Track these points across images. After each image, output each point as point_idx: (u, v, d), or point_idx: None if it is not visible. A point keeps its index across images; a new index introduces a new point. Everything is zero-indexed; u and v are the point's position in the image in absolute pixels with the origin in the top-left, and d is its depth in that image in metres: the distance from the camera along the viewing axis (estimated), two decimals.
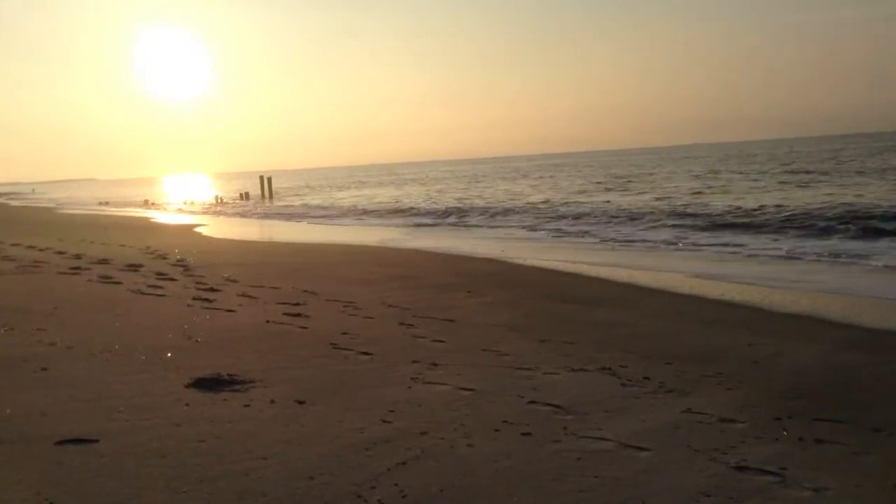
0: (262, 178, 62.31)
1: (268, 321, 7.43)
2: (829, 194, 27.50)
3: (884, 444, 4.23)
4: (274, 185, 63.21)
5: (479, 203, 36.39)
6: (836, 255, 13.87)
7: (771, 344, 6.88)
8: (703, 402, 4.98)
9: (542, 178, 64.51)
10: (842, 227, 18.19)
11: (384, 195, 51.83)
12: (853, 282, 11.01)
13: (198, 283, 10.03)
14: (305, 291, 9.49)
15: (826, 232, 17.95)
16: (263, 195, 59.35)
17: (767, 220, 20.79)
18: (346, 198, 51.56)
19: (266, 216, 38.26)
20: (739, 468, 3.79)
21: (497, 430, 4.35)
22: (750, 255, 14.80)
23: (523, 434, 4.30)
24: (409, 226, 27.51)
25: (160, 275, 10.77)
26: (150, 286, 9.56)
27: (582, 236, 20.18)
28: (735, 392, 5.27)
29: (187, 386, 5.05)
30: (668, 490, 3.53)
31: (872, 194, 26.48)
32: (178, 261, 13.00)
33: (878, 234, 16.99)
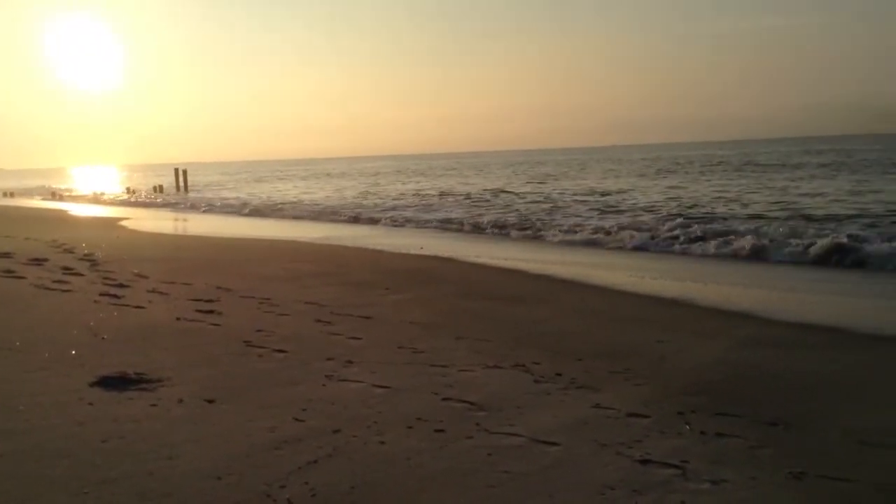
0: (176, 170, 60.65)
1: (178, 318, 7.25)
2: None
3: (779, 437, 4.43)
4: (190, 178, 61.66)
5: (403, 198, 36.37)
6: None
7: (678, 340, 7.10)
8: (612, 397, 5.11)
9: (461, 175, 65.04)
10: None
11: (306, 189, 51.21)
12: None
13: (106, 278, 9.70)
14: (219, 288, 9.30)
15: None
16: (178, 188, 57.82)
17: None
18: (266, 192, 50.71)
19: (180, 209, 37.28)
20: (643, 461, 3.92)
21: (410, 428, 4.37)
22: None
23: (436, 431, 4.34)
24: (330, 221, 27.26)
25: (66, 269, 10.37)
26: (55, 281, 9.20)
27: (500, 231, 20.41)
28: (642, 388, 5.42)
29: (92, 384, 4.90)
30: (574, 483, 3.62)
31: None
32: (85, 255, 12.54)
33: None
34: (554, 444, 4.16)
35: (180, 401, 4.69)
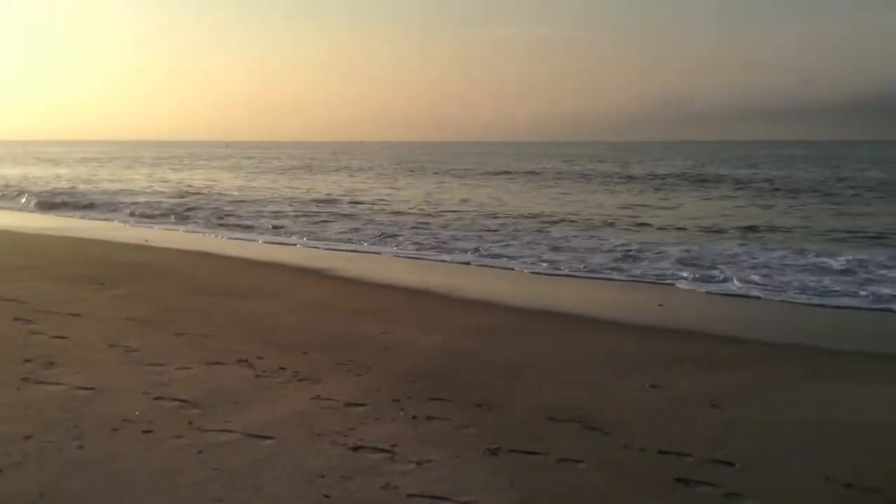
0: None
1: None
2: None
3: (483, 417, 4.78)
4: None
5: (130, 186, 33.92)
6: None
7: (403, 331, 7.37)
8: (332, 388, 5.20)
9: (181, 165, 62.28)
10: None
11: (11, 174, 45.84)
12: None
13: None
14: None
15: None
16: None
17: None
18: None
19: None
20: (356, 448, 4.05)
21: (115, 430, 4.15)
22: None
23: (144, 432, 4.15)
24: (39, 208, 24.56)
25: None
26: None
27: (231, 225, 19.79)
28: (363, 377, 5.57)
29: None
30: (285, 474, 3.65)
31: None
32: None
33: None
34: (268, 437, 4.16)
35: None
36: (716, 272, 11.57)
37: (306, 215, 21.55)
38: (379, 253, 14.43)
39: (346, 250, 14.82)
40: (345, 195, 29.22)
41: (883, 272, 11.27)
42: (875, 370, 6.34)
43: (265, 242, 15.94)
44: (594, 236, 16.39)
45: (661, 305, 9.45)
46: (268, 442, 4.09)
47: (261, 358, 5.95)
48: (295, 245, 15.56)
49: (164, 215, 21.72)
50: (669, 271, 11.78)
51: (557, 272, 12.08)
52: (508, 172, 48.95)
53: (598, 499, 3.60)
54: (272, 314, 7.98)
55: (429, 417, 4.68)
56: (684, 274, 11.50)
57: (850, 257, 12.62)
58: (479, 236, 16.45)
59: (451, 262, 13.41)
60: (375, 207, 24.29)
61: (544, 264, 12.76)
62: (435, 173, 49.08)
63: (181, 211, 22.49)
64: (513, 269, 12.51)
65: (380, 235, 16.68)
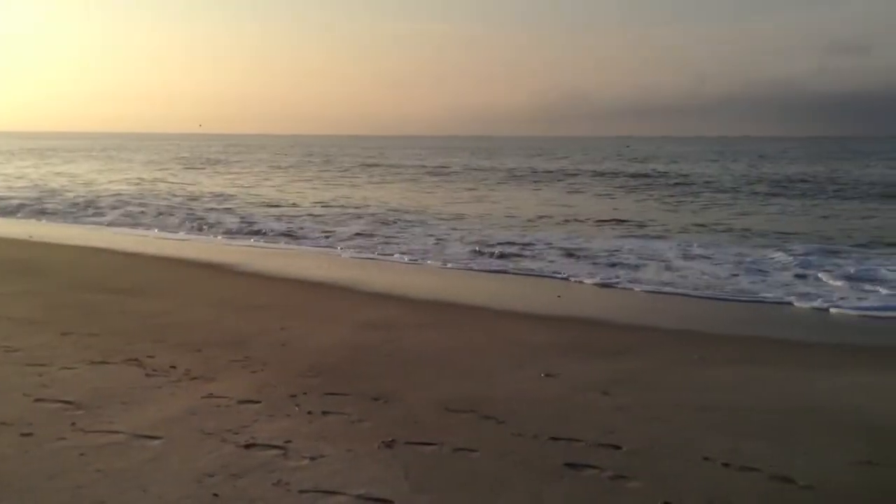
0: None
1: None
2: None
3: (378, 410, 4.78)
4: None
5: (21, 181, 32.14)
6: None
7: (302, 326, 7.29)
8: (226, 386, 5.10)
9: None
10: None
11: None
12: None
13: None
14: None
15: None
16: None
17: None
18: None
19: None
20: (247, 446, 3.98)
21: None
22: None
23: (23, 435, 3.98)
24: None
25: None
26: None
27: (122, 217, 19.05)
28: (259, 374, 5.48)
29: None
30: (172, 474, 3.56)
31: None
32: None
33: None
34: (156, 437, 4.05)
35: None
36: (610, 264, 11.97)
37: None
38: (282, 249, 14.21)
39: (245, 245, 14.52)
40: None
41: (767, 265, 11.91)
42: (752, 355, 6.69)
43: (157, 238, 15.45)
44: (495, 233, 16.61)
45: (559, 297, 9.68)
46: (156, 442, 3.98)
47: (151, 356, 5.78)
48: (187, 239, 15.15)
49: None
50: (566, 264, 12.11)
51: (457, 266, 12.18)
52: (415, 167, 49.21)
53: (490, 485, 3.67)
54: (165, 311, 7.74)
55: (324, 412, 4.64)
56: (580, 267, 11.84)
57: (737, 251, 13.28)
58: (371, 232, 16.44)
59: (352, 257, 13.33)
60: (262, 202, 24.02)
61: (438, 259, 12.86)
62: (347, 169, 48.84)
63: (34, 206, 21.82)
64: (416, 262, 12.55)
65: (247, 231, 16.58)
